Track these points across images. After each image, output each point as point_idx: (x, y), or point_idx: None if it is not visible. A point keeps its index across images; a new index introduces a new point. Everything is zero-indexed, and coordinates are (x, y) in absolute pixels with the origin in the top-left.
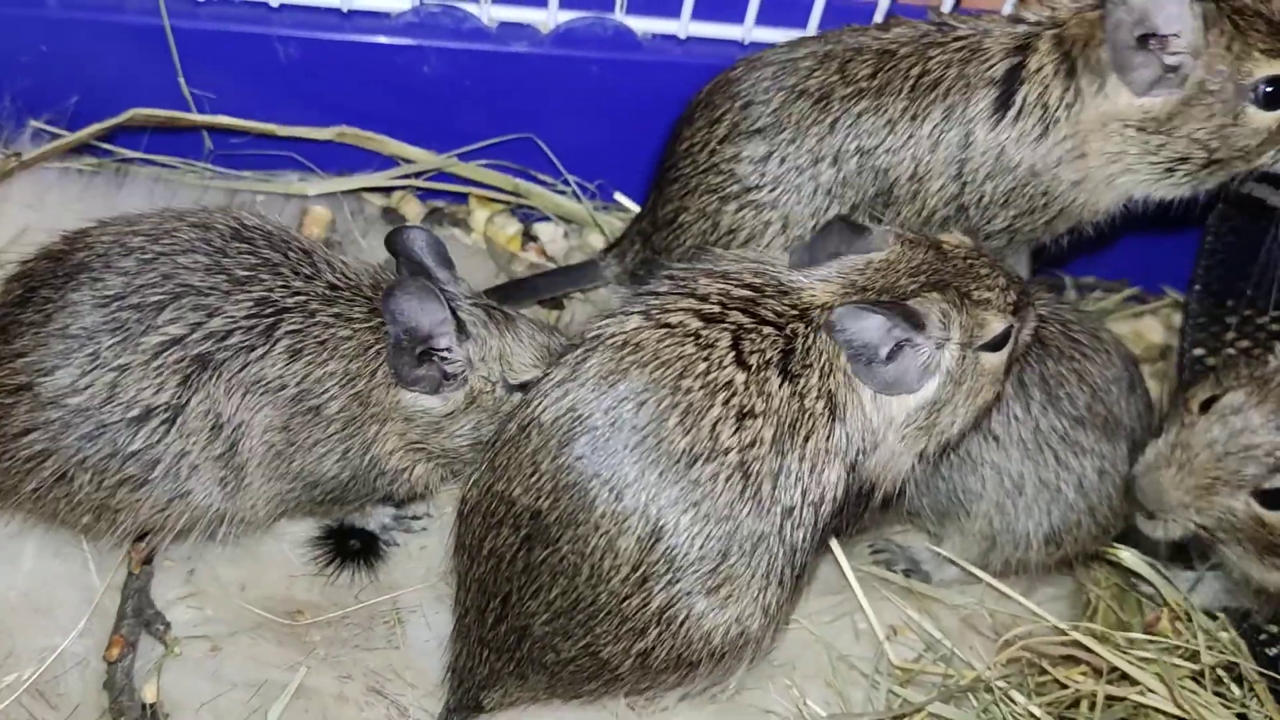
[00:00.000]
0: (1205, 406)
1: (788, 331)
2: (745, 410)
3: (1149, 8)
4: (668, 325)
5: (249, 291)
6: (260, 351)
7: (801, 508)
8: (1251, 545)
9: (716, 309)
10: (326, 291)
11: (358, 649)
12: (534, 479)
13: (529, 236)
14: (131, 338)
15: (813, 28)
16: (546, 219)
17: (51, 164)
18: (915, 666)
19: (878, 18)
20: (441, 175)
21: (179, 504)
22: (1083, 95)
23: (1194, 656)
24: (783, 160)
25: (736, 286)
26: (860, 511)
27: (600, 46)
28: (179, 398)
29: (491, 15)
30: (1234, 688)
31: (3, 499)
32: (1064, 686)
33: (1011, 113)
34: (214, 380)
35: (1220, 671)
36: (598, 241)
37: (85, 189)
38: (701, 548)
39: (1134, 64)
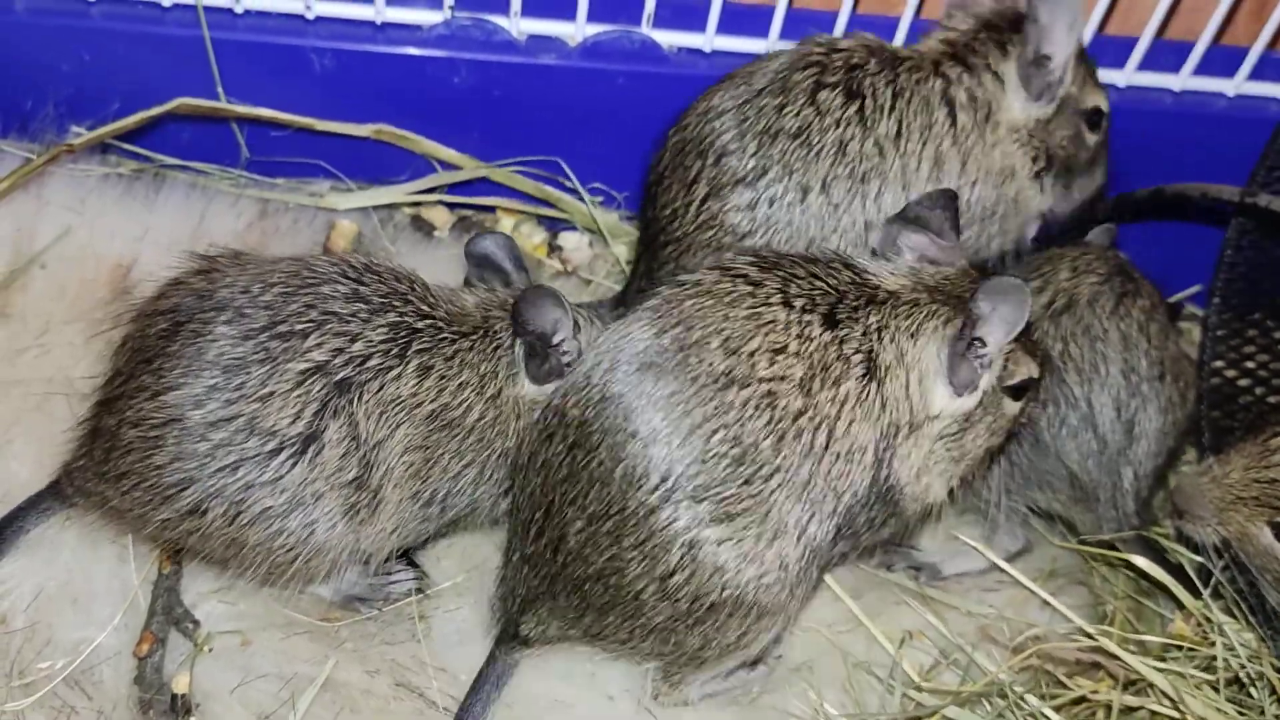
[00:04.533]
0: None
1: (841, 289)
2: (781, 346)
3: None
4: (728, 272)
5: (384, 317)
6: (395, 372)
7: (824, 456)
8: (1268, 574)
9: (772, 262)
10: (446, 315)
11: (384, 644)
12: (584, 390)
13: (554, 246)
14: (279, 366)
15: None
16: (572, 229)
17: (92, 168)
18: (930, 677)
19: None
20: (468, 186)
21: (306, 536)
22: (1003, 102)
23: (1210, 665)
24: (771, 201)
25: (801, 261)
26: (877, 524)
27: (627, 59)
28: (317, 426)
29: (521, 28)
30: (1252, 690)
31: (130, 526)
32: (1079, 696)
33: (960, 125)
34: (354, 404)
35: (1239, 675)
36: (621, 252)
37: (124, 193)
38: (724, 468)
39: (1032, 77)
